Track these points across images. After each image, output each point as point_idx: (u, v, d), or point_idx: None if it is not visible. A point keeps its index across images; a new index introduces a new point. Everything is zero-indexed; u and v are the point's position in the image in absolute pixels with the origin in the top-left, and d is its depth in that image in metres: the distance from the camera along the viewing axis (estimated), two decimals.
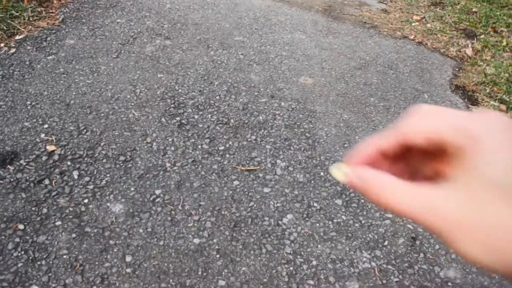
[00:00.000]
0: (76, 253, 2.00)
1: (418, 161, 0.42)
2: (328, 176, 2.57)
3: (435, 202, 0.34)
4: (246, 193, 2.40)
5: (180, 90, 3.16)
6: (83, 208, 2.20)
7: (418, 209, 0.35)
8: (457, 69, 4.06)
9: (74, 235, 2.07)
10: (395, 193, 0.36)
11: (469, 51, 4.35)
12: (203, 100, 3.09)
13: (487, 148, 0.33)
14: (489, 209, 0.32)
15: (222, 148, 2.68)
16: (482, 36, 4.64)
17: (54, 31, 3.71)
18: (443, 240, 0.35)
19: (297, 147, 2.77)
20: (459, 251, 0.34)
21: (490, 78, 3.81)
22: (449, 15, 5.09)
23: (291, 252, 2.13)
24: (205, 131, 2.79)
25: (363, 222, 2.33)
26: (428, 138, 0.37)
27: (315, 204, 2.40)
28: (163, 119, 2.85)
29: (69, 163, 2.44)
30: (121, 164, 2.48)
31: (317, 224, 2.29)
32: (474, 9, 5.27)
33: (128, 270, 1.95)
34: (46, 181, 2.32)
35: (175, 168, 2.50)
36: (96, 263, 1.97)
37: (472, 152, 0.34)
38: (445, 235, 0.34)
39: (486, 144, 0.33)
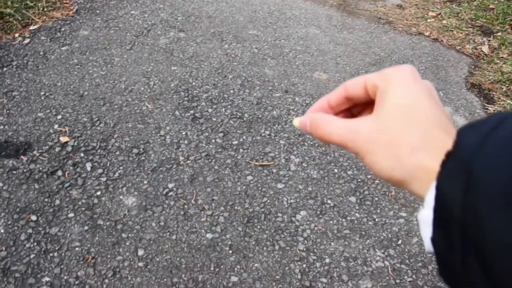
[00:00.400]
0: (89, 245, 1.99)
1: (362, 111, 0.52)
2: (342, 173, 2.54)
3: (356, 127, 0.44)
4: (260, 188, 2.39)
5: (194, 83, 3.15)
6: (95, 201, 2.20)
7: (345, 134, 0.44)
8: (473, 66, 4.01)
9: (86, 227, 2.07)
10: (332, 125, 0.46)
11: (485, 49, 4.28)
12: (217, 94, 3.07)
13: (394, 84, 0.42)
14: (392, 127, 0.41)
15: (235, 142, 2.66)
16: (499, 33, 4.57)
17: (68, 22, 3.70)
18: (360, 157, 0.43)
19: (311, 143, 2.74)
20: (369, 163, 0.42)
21: (506, 77, 3.75)
22: (465, 12, 5.02)
23: (304, 249, 2.11)
24: (218, 125, 2.78)
25: (376, 220, 2.30)
26: (363, 87, 0.47)
27: (329, 201, 2.37)
28: (176, 112, 2.83)
29: (82, 154, 2.44)
30: (134, 157, 2.47)
31: (331, 222, 2.27)
32: (491, 6, 5.19)
33: (140, 264, 1.95)
34: (59, 173, 2.31)
35: (188, 162, 2.48)
36: (108, 256, 1.96)
37: (386, 89, 0.43)
38: (362, 151, 0.43)
39: (394, 82, 0.43)
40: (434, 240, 0.36)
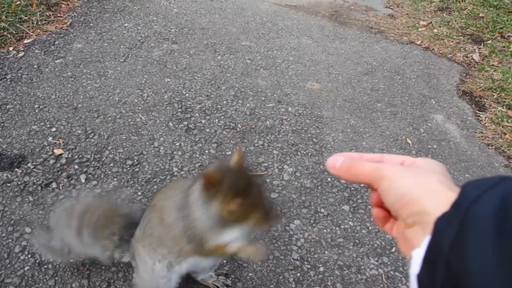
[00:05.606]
0: (83, 257, 1.99)
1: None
2: (335, 181, 2.56)
3: (387, 166, 0.53)
4: None
5: (187, 95, 3.17)
6: None
7: (378, 165, 0.53)
8: (464, 74, 4.05)
9: None
10: (365, 162, 0.55)
11: (476, 57, 4.33)
12: (210, 105, 3.09)
13: (430, 161, 0.55)
14: (420, 171, 0.51)
15: (229, 153, 2.68)
16: (489, 41, 4.63)
17: (62, 35, 3.72)
18: (380, 182, 0.53)
19: (304, 153, 2.76)
20: (392, 181, 0.50)
21: (497, 84, 3.80)
22: (456, 21, 5.08)
23: (298, 258, 2.12)
24: (212, 136, 2.79)
25: (370, 228, 2.32)
26: (400, 162, 0.58)
27: (322, 210, 2.39)
28: (170, 124, 2.85)
29: (76, 166, 2.45)
30: (128, 168, 2.48)
31: (324, 230, 2.28)
32: (481, 15, 5.26)
33: (135, 275, 1.95)
34: (54, 185, 2.32)
35: (182, 172, 2.50)
36: (103, 267, 1.96)
37: (423, 163, 0.55)
38: (389, 174, 0.51)
39: (430, 160, 0.55)
40: (419, 276, 0.41)
